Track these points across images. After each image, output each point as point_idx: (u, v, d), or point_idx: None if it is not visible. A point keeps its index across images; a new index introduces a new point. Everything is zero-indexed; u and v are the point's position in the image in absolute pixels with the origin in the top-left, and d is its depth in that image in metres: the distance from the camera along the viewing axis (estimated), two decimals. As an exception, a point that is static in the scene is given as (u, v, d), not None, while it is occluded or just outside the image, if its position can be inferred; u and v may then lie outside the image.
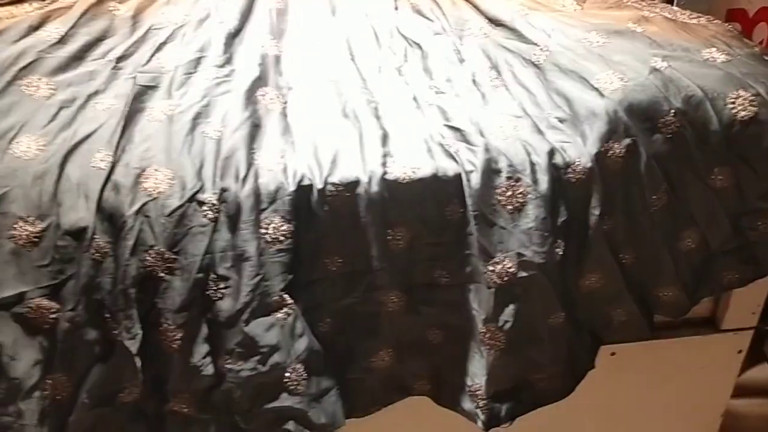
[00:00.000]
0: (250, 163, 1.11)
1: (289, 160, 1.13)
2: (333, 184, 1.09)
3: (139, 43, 1.34)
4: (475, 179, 1.12)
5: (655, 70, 1.21)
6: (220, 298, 1.09)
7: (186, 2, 1.43)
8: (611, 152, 1.15)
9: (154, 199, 1.07)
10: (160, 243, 1.06)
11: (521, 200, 1.14)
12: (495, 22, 1.39)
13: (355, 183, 1.10)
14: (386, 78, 1.31)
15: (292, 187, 1.08)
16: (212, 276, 1.08)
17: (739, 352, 1.40)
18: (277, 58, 1.34)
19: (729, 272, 1.26)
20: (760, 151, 1.18)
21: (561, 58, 1.27)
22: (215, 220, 1.08)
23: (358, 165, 1.12)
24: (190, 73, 1.28)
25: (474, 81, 1.29)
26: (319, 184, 1.09)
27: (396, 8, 1.45)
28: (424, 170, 1.12)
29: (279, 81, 1.30)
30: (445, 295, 1.19)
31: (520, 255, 1.13)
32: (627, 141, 1.15)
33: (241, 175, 1.09)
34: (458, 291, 1.18)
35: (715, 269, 1.26)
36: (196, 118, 1.18)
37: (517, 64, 1.31)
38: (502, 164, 1.13)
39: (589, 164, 1.14)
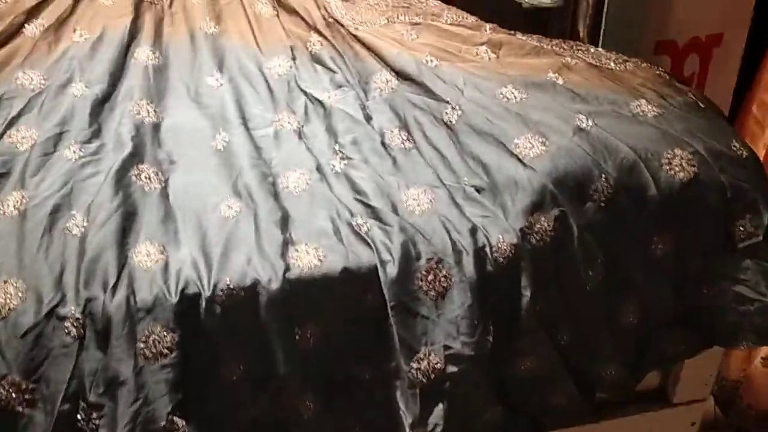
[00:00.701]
0: (122, 265, 0.93)
1: (172, 255, 0.95)
2: (225, 287, 0.92)
3: (-13, 120, 1.14)
4: (392, 268, 0.97)
5: (580, 130, 1.09)
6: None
7: (44, 64, 1.23)
8: (538, 226, 1.02)
9: (3, 318, 0.88)
10: (15, 371, 0.87)
11: (444, 285, 0.99)
12: (401, 75, 1.25)
13: (253, 285, 0.93)
14: (284, 144, 1.15)
15: (174, 298, 0.90)
16: (82, 405, 0.89)
17: (693, 424, 1.29)
18: (156, 126, 1.16)
19: (674, 344, 1.15)
20: (701, 213, 1.07)
21: (475, 117, 1.15)
22: (81, 338, 0.89)
23: (255, 258, 0.95)
24: (49, 154, 1.09)
25: (383, 143, 1.14)
26: (207, 291, 0.91)
27: (293, 58, 1.28)
28: (333, 260, 0.96)
29: (158, 154, 1.12)
30: (367, 392, 1.02)
31: (447, 348, 0.99)
32: (555, 212, 1.03)
33: (111, 281, 0.91)
34: (382, 388, 1.02)
35: (659, 341, 1.14)
36: (56, 212, 1.00)
37: (428, 123, 1.18)
38: (421, 246, 0.99)
39: (514, 241, 1.01)
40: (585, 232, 1.04)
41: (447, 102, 1.18)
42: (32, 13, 1.30)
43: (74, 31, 1.28)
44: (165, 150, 1.13)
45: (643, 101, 1.15)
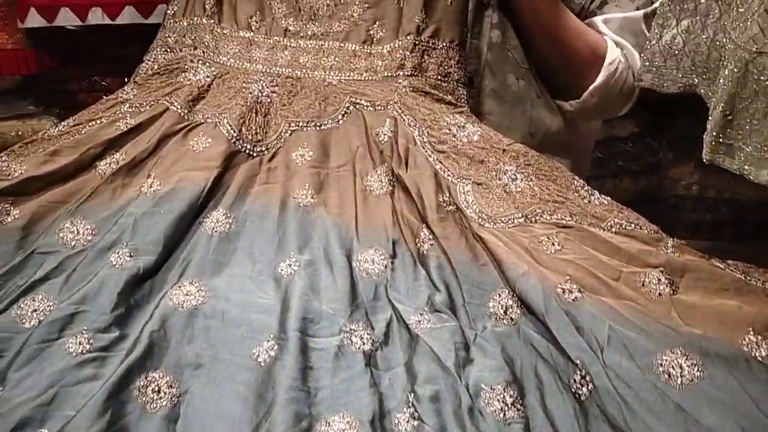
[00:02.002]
0: None
1: None
2: None
3: (10, 276, 0.94)
4: None
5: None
6: None
7: (99, 215, 1.02)
8: None
9: None
10: None
11: None
12: (525, 304, 0.91)
13: None
14: (344, 367, 0.84)
15: None
16: None
17: None
18: (193, 312, 0.89)
19: None
20: None
21: (610, 403, 0.78)
22: None
23: None
24: (50, 341, 0.86)
25: (475, 409, 0.80)
26: None
27: (392, 256, 0.98)
28: None
29: (183, 354, 0.85)
30: None
31: None
32: None
33: None
34: None
35: None
36: (20, 428, 0.75)
37: (551, 385, 0.82)
38: None
39: None
40: None
41: (575, 364, 0.82)
42: (112, 146, 1.10)
43: (148, 177, 1.06)
44: (194, 348, 0.86)
45: None
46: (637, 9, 1.38)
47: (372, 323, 0.90)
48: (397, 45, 1.18)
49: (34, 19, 1.74)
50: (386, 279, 0.95)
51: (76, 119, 1.15)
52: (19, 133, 1.91)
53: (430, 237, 1.00)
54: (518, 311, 0.90)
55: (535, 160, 1.06)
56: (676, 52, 1.17)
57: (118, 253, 0.96)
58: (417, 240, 1.00)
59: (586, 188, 1.03)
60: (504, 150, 1.07)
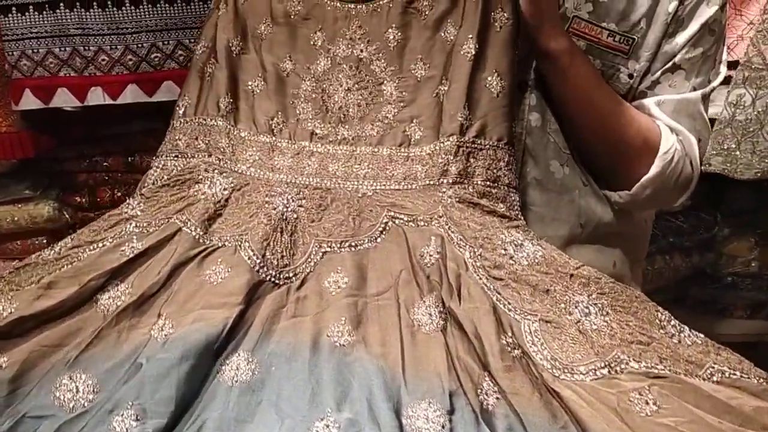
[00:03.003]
0: None
1: None
2: None
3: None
4: None
5: None
6: None
7: (101, 366, 0.85)
8: None
9: None
10: None
11: None
12: None
13: None
14: None
15: None
16: None
17: None
18: None
19: None
20: None
21: None
22: None
23: None
24: None
25: None
26: None
27: (450, 412, 0.79)
28: None
29: None
30: None
31: None
32: None
33: None
34: None
35: None
36: None
37: None
38: None
39: None
40: None
41: None
42: (116, 275, 0.95)
43: (158, 317, 0.91)
44: None
45: None
46: (693, 90, 1.23)
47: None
48: (438, 148, 1.03)
49: (29, 101, 1.61)
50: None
51: (75, 239, 1.00)
52: (15, 218, 1.77)
53: (495, 389, 0.83)
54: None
55: (610, 288, 0.91)
56: (752, 134, 1.04)
57: (122, 415, 0.81)
58: (479, 391, 0.84)
59: (672, 323, 0.88)
60: (571, 275, 0.92)
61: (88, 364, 0.87)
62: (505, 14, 1.05)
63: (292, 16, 1.10)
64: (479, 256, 0.95)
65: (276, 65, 1.09)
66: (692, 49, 1.19)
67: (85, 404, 0.83)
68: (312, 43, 1.10)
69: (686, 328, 0.88)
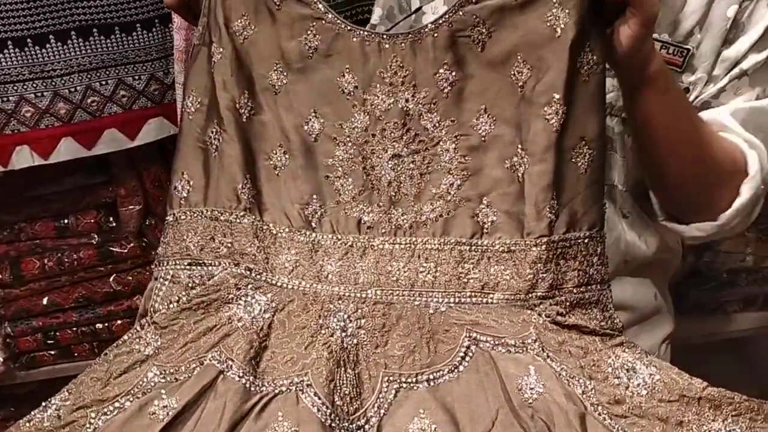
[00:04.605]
0: None
1: None
2: None
3: None
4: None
5: None
6: None
7: None
8: None
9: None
10: None
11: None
12: None
13: None
14: None
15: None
16: None
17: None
18: None
19: None
20: None
21: None
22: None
23: None
24: None
25: None
26: None
27: None
28: None
29: None
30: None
31: None
32: None
33: None
34: None
35: None
36: None
37: None
38: None
39: None
40: None
41: None
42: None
43: None
44: None
45: None
46: (757, 98, 1.08)
47: None
48: (523, 253, 0.80)
49: (-65, 168, 1.29)
50: None
51: (75, 393, 0.74)
52: None
53: None
54: None
55: (745, 407, 0.75)
56: None
57: None
58: None
59: None
60: (700, 398, 0.75)
61: None
62: (594, 56, 0.81)
63: (310, 56, 0.84)
64: (593, 392, 0.76)
65: (300, 128, 0.84)
66: (757, 54, 1.04)
67: None
68: (341, 89, 0.83)
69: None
